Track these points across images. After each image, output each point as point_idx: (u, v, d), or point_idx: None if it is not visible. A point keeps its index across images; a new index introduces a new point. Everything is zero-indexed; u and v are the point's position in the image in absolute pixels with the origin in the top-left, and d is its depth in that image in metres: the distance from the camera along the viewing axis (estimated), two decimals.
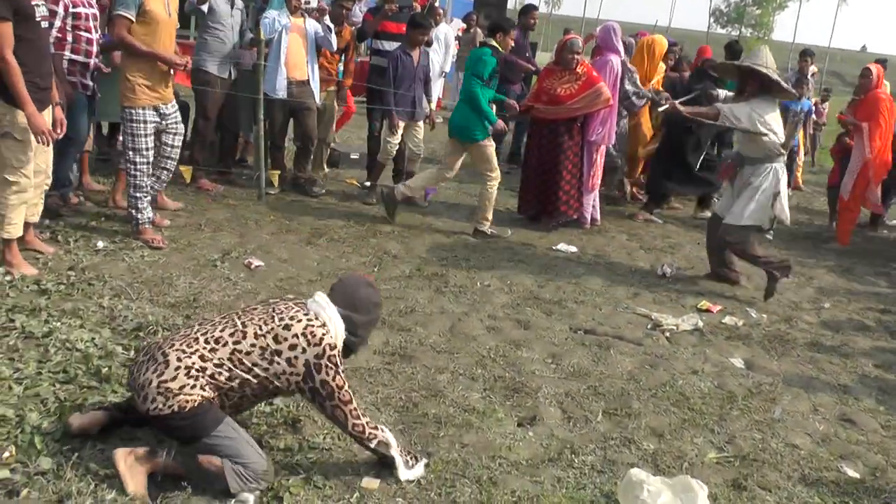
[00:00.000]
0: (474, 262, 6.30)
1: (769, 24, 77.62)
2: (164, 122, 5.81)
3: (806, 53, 11.49)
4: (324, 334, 3.05)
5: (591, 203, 7.85)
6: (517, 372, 4.35)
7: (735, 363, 4.98)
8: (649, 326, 5.36)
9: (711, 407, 4.31)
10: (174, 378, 2.89)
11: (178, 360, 2.94)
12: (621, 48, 7.88)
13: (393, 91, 7.58)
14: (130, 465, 2.92)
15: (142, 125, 5.63)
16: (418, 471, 3.23)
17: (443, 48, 14.11)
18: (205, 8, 7.00)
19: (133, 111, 5.59)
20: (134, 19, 5.42)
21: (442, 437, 3.60)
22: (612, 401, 4.15)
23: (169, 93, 5.85)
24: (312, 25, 7.55)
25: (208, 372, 2.95)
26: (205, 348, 2.98)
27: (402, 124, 7.72)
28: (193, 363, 2.94)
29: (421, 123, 7.92)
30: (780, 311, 6.25)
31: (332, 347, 3.06)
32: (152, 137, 5.73)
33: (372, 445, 3.16)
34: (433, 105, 8.21)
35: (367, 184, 8.07)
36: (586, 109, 7.37)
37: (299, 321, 3.05)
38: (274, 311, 3.10)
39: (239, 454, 2.94)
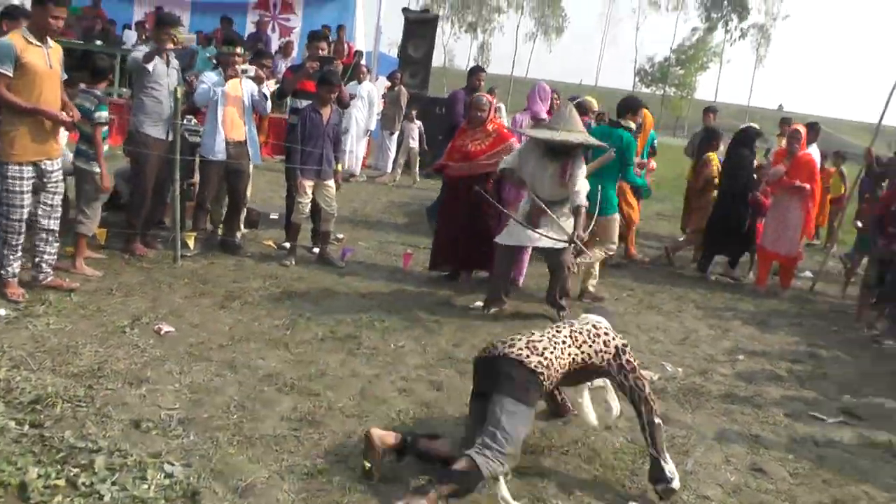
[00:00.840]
0: (389, 323, 6.23)
1: (692, 83, 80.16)
2: (43, 180, 5.70)
3: (709, 109, 11.85)
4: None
5: None
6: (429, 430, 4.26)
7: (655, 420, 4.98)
8: None
9: (623, 462, 4.31)
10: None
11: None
12: (542, 107, 7.99)
13: (300, 148, 7.61)
14: None
15: (19, 181, 5.51)
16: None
17: (367, 106, 14.22)
18: (150, 66, 6.95)
19: (9, 166, 5.47)
20: (11, 75, 5.33)
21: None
22: (522, 459, 4.10)
23: (54, 149, 5.76)
24: (249, 86, 7.61)
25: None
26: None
27: (309, 183, 7.70)
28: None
29: (331, 182, 7.88)
30: (696, 364, 6.34)
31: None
32: (29, 195, 5.61)
33: (654, 419, 4.06)
34: (347, 164, 8.25)
35: (286, 244, 8.00)
36: (498, 166, 7.44)
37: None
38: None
39: (510, 432, 3.62)
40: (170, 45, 7.24)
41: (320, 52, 8.49)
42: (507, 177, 7.10)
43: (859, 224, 10.36)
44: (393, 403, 4.67)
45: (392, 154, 15.46)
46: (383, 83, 16.66)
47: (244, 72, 7.66)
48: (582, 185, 6.60)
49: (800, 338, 7.65)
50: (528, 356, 3.83)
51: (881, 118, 9.99)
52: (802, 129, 9.42)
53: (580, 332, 4.12)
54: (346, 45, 16.25)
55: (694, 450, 4.62)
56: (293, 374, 4.89)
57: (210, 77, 7.46)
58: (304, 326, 5.91)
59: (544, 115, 7.99)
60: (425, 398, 4.81)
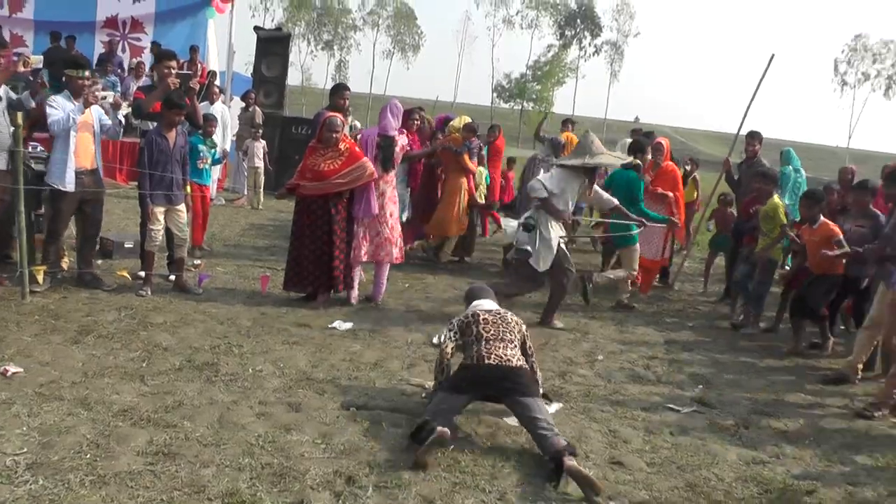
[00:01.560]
0: (248, 347, 6.19)
1: (549, 98, 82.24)
2: None
3: (567, 121, 12.28)
4: None
5: (357, 277, 7.96)
6: (286, 457, 4.27)
7: (509, 422, 5.08)
8: (424, 395, 5.42)
9: (483, 468, 4.41)
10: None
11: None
12: (392, 123, 8.11)
13: (148, 173, 7.47)
14: None
15: None
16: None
17: (221, 128, 13.99)
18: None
19: None
20: None
21: None
22: (382, 474, 4.17)
23: None
24: (97, 112, 7.40)
25: None
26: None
27: (160, 209, 7.56)
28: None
29: (182, 207, 7.76)
30: (556, 367, 6.56)
31: None
32: None
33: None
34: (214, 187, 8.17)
35: (141, 274, 7.81)
36: (352, 184, 7.55)
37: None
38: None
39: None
40: (20, 69, 6.99)
41: (171, 71, 8.22)
42: (545, 204, 7.73)
43: (710, 227, 11.17)
44: (251, 429, 4.64)
45: None
46: (238, 104, 16.45)
47: (104, 98, 7.43)
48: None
49: (657, 335, 8.06)
50: (521, 364, 4.95)
51: (739, 129, 10.71)
52: (665, 142, 10.05)
53: (511, 320, 5.24)
54: (199, 66, 15.99)
55: None
56: (149, 407, 4.81)
57: (62, 103, 7.11)
58: (161, 357, 5.80)
59: (393, 132, 8.08)
60: (284, 421, 4.81)
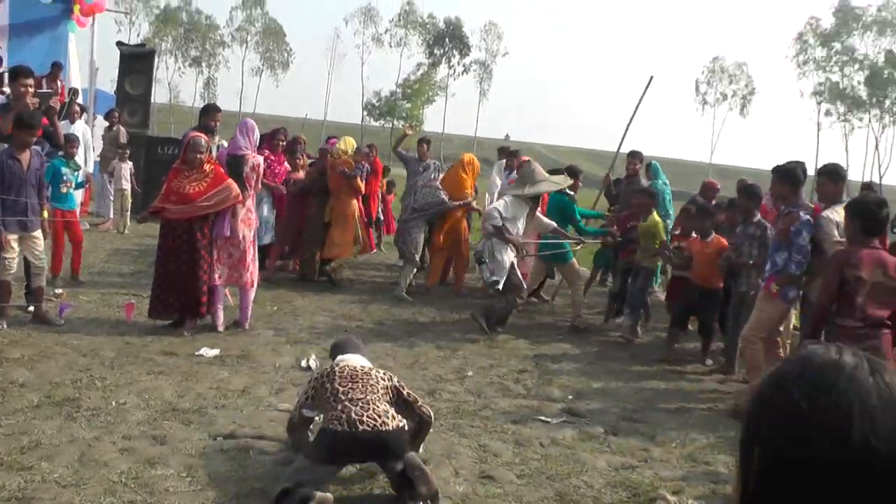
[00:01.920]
0: (111, 379, 5.98)
1: (419, 116, 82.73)
2: None
3: (422, 140, 12.45)
4: None
5: (223, 302, 7.81)
6: (150, 493, 4.16)
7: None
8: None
9: (351, 492, 4.42)
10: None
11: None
12: (243, 142, 8.00)
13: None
14: None
15: None
16: None
17: (83, 148, 13.49)
18: None
19: None
20: None
21: None
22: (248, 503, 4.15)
23: None
24: None
25: None
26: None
27: (14, 237, 7.22)
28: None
29: (39, 234, 7.44)
30: (426, 385, 6.58)
31: None
32: None
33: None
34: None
35: None
36: (217, 207, 7.42)
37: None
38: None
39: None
40: None
41: (27, 89, 7.71)
42: (497, 231, 8.54)
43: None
44: (114, 465, 4.50)
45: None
46: (102, 123, 15.90)
47: None
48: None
49: (528, 349, 8.20)
50: (397, 424, 4.39)
51: (619, 147, 11.46)
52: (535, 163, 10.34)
53: (376, 375, 4.70)
54: (59, 83, 15.38)
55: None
56: (2, 449, 4.60)
57: None
58: (18, 394, 5.55)
59: (243, 151, 7.92)
60: (148, 454, 4.67)
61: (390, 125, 79.91)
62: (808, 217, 6.58)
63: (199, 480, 4.39)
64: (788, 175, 6.79)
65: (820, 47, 76.96)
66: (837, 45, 75.76)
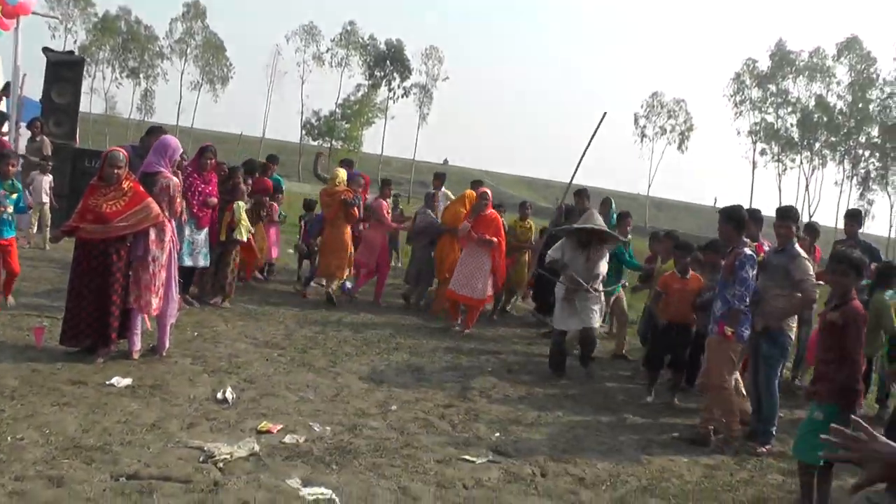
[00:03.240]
0: (10, 412, 5.57)
1: (358, 137, 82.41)
2: None
3: (344, 161, 12.48)
4: None
5: (139, 327, 7.38)
6: None
7: (292, 484, 4.88)
8: (201, 459, 5.06)
9: None
10: None
11: None
12: (159, 161, 7.60)
13: None
14: None
15: None
16: None
17: None
18: None
19: None
20: None
21: None
22: None
23: None
24: None
25: None
26: None
27: None
28: None
29: None
30: (346, 420, 6.34)
31: None
32: None
33: None
34: None
35: None
36: (135, 227, 7.07)
37: None
38: None
39: None
40: None
41: None
42: (555, 266, 9.15)
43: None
44: None
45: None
46: (25, 133, 15.31)
47: None
48: (603, 266, 9.17)
49: (455, 382, 8.01)
50: None
51: (572, 178, 11.95)
52: (489, 192, 11.19)
53: None
54: None
55: None
56: None
57: None
58: None
59: (156, 169, 7.54)
60: (41, 499, 4.31)
61: (329, 145, 79.32)
62: (751, 252, 6.83)
63: None
64: (734, 216, 6.96)
65: (756, 88, 78.92)
66: (772, 87, 77.86)
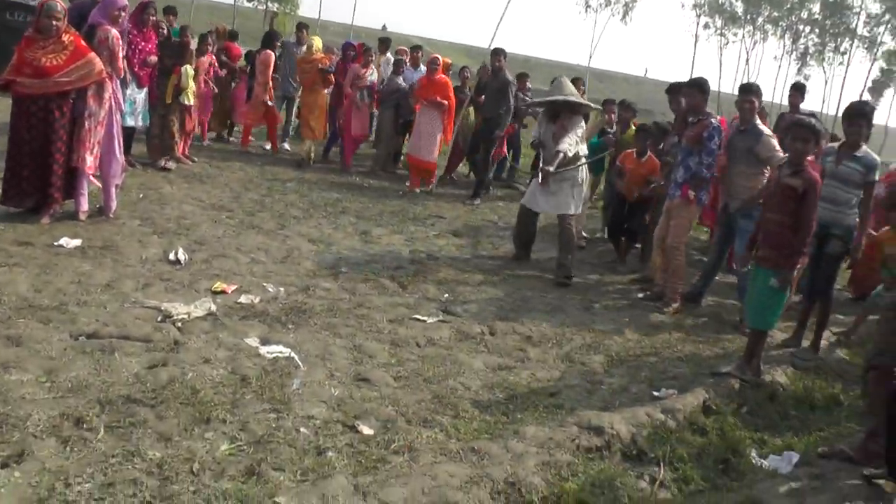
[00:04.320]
0: None
1: (295, 0, 79.13)
2: None
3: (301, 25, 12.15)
4: None
5: (85, 188, 7.16)
6: (3, 401, 3.80)
7: (250, 343, 4.97)
8: (159, 319, 5.10)
9: (224, 396, 4.23)
10: None
11: None
12: (101, 14, 7.27)
13: None
14: None
15: None
16: None
17: None
18: None
19: None
20: None
21: None
22: (114, 412, 3.85)
23: None
24: None
25: None
26: None
27: None
28: None
29: None
30: (299, 281, 6.41)
31: None
32: None
33: None
34: None
35: None
36: (78, 83, 6.79)
37: None
38: None
39: None
40: None
41: None
42: (536, 145, 8.17)
43: None
44: None
45: None
46: None
47: None
48: (566, 142, 7.71)
49: (404, 245, 8.12)
50: None
51: (490, 43, 12.04)
52: (441, 58, 11.55)
53: None
54: None
55: (297, 370, 4.68)
56: None
57: None
58: None
59: (97, 21, 7.22)
60: (2, 358, 4.25)
61: (264, 7, 76.21)
62: (717, 123, 7.07)
63: (60, 386, 4.07)
64: (704, 87, 7.31)
65: None
66: None
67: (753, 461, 4.58)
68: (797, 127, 5.63)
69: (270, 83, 12.19)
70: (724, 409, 5.12)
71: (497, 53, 11.01)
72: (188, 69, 9.92)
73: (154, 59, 9.21)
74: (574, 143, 7.85)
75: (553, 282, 7.59)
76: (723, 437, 4.76)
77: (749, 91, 7.04)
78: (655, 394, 5.14)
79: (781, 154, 6.59)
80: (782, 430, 5.07)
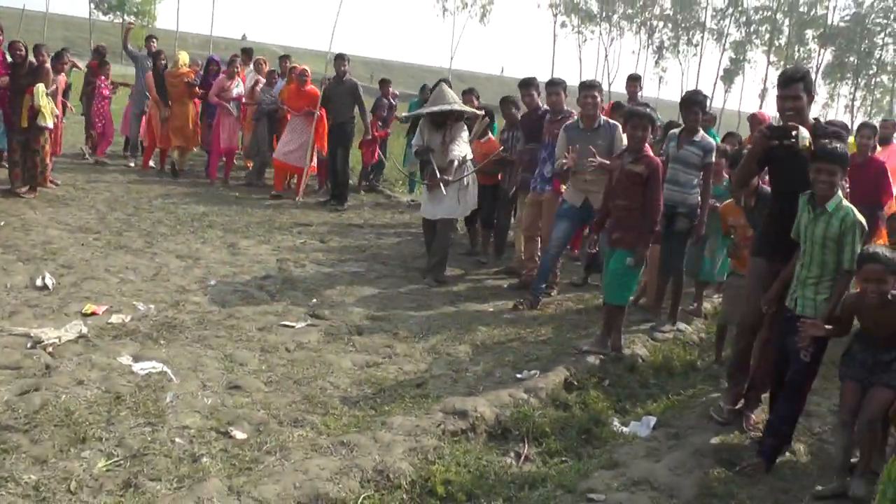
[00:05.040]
0: None
1: (152, 12, 77.04)
2: None
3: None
4: None
5: None
6: None
7: (123, 361, 5.05)
8: (29, 346, 5.11)
9: (99, 415, 4.31)
10: None
11: None
12: None
13: None
14: None
15: None
16: None
17: None
18: None
19: None
20: None
21: None
22: None
23: None
24: None
25: None
26: None
27: None
28: None
29: None
30: (169, 297, 6.50)
31: None
32: None
33: None
34: None
35: None
36: None
37: None
38: None
39: None
40: None
41: None
42: (422, 153, 8.07)
43: None
44: None
45: None
46: None
47: None
48: (458, 149, 7.91)
49: (270, 255, 8.27)
50: None
51: (329, 47, 12.22)
52: (309, 68, 11.91)
53: None
54: None
55: (171, 384, 4.79)
56: None
57: None
58: None
59: None
60: None
61: (120, 20, 73.99)
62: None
63: None
64: (563, 84, 7.86)
65: None
66: None
67: (615, 429, 4.98)
68: (635, 117, 6.03)
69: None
70: (586, 384, 5.51)
71: (341, 58, 11.44)
72: (40, 88, 9.55)
73: (5, 79, 9.04)
74: (464, 149, 8.08)
75: (424, 283, 7.81)
76: (585, 409, 5.16)
77: (693, 102, 6.96)
78: (518, 376, 5.47)
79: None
80: (642, 398, 5.51)
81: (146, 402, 4.52)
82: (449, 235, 8.10)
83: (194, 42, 74.98)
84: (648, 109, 6.35)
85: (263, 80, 12.70)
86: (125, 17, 71.36)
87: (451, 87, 8.75)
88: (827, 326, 4.25)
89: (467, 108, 8.41)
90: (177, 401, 4.60)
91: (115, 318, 5.82)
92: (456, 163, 7.90)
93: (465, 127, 8.28)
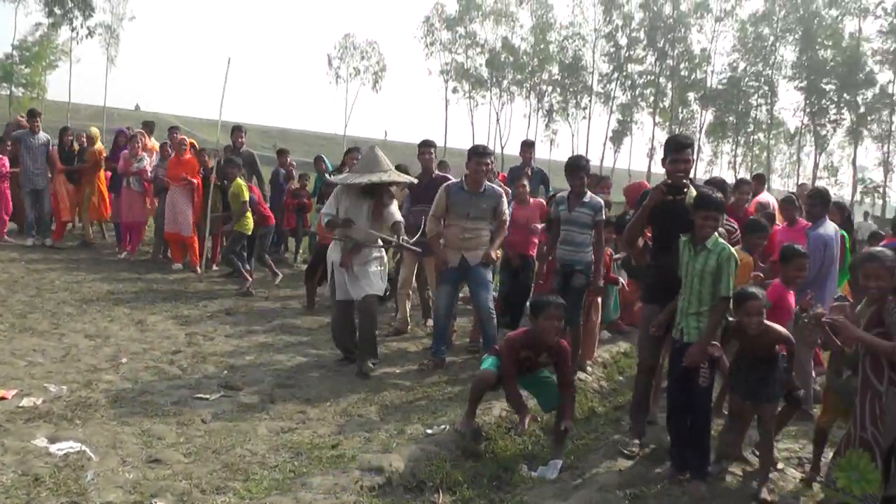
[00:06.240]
0: None
1: (41, 83, 75.45)
2: None
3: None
4: None
5: None
6: None
7: (39, 444, 5.03)
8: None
9: (17, 498, 4.30)
10: None
11: None
12: None
13: None
14: None
15: None
16: None
17: None
18: None
19: None
20: None
21: None
22: None
23: None
24: None
25: None
26: None
27: None
28: None
29: None
30: (81, 377, 6.50)
31: None
32: None
33: None
34: None
35: None
36: None
37: None
38: None
39: None
40: None
41: None
42: (332, 225, 7.20)
43: None
44: None
45: None
46: None
47: None
48: (398, 214, 7.45)
49: (178, 330, 8.33)
50: None
51: (219, 118, 12.12)
52: (187, 139, 12.29)
53: None
54: None
55: (90, 462, 4.82)
56: None
57: None
58: None
59: None
60: None
61: (8, 92, 72.12)
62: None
63: None
64: (433, 144, 8.93)
65: (446, 31, 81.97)
66: (461, 30, 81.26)
67: (524, 474, 5.25)
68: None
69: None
70: (494, 435, 5.77)
71: (238, 130, 11.89)
72: None
73: None
74: (399, 216, 7.50)
75: (356, 372, 7.22)
76: (495, 458, 5.41)
77: (578, 168, 7.21)
78: (429, 431, 5.70)
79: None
80: (548, 445, 5.79)
81: (66, 481, 4.54)
82: (375, 314, 7.46)
83: (87, 113, 73.47)
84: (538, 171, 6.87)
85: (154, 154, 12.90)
86: (13, 88, 69.60)
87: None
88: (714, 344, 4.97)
89: (405, 178, 7.73)
90: (98, 478, 4.62)
91: (25, 402, 5.78)
92: (403, 224, 7.42)
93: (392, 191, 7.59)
